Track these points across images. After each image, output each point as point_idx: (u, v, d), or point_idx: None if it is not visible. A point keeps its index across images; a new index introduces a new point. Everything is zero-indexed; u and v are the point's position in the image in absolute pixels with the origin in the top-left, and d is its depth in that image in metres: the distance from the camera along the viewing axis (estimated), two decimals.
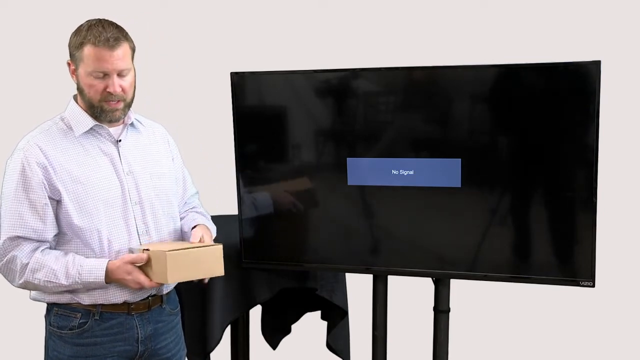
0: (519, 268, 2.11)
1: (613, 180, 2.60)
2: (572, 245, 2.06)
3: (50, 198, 1.76)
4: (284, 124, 2.24)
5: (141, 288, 1.80)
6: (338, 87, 2.19)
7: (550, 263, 2.07)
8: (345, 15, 3.36)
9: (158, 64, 3.30)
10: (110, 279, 1.77)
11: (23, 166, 1.75)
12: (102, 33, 1.73)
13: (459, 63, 2.07)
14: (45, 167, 1.75)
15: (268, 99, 2.29)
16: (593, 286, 2.03)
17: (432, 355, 2.28)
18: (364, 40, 3.28)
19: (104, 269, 1.76)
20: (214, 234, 2.05)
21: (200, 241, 1.87)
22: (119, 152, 1.85)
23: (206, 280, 1.90)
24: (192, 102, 3.34)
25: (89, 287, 1.78)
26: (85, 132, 1.81)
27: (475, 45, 3.16)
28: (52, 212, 1.77)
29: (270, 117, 2.28)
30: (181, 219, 2.03)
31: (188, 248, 1.79)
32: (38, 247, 1.77)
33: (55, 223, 1.78)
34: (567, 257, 2.07)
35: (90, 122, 1.81)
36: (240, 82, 2.24)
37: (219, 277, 2.30)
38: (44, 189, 1.75)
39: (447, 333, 2.25)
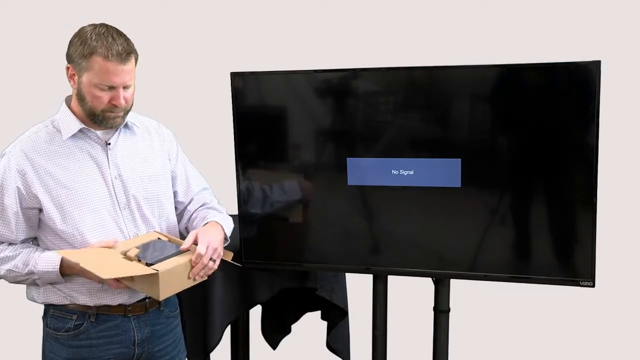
0: (519, 268, 2.11)
1: (613, 180, 2.60)
2: (572, 245, 2.06)
3: (28, 208, 1.76)
4: (284, 124, 2.24)
5: (101, 282, 1.76)
6: (338, 87, 2.19)
7: (550, 263, 2.07)
8: (345, 15, 3.36)
9: (158, 64, 3.29)
10: (65, 270, 1.74)
11: (4, 171, 1.75)
12: (113, 45, 1.69)
13: (459, 63, 2.07)
14: (26, 174, 1.74)
15: (268, 99, 2.29)
16: (593, 286, 2.03)
17: (432, 355, 2.28)
18: (364, 40, 3.28)
19: (59, 259, 1.74)
20: (230, 226, 1.99)
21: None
22: (107, 156, 1.82)
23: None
24: (192, 102, 3.34)
25: (46, 279, 1.77)
26: (73, 135, 1.79)
27: (475, 45, 3.16)
28: (24, 221, 1.77)
29: (270, 117, 2.28)
30: (192, 218, 2.00)
31: (177, 263, 1.74)
32: (3, 243, 1.79)
33: (26, 230, 1.78)
34: (567, 257, 2.07)
35: (77, 125, 1.79)
36: (240, 82, 2.24)
37: (219, 277, 2.31)
38: (17, 196, 1.74)
39: (447, 333, 2.25)
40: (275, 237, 2.32)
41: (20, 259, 1.76)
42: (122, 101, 1.74)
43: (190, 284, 1.79)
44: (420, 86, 2.13)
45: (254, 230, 2.31)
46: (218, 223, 1.93)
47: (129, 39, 1.76)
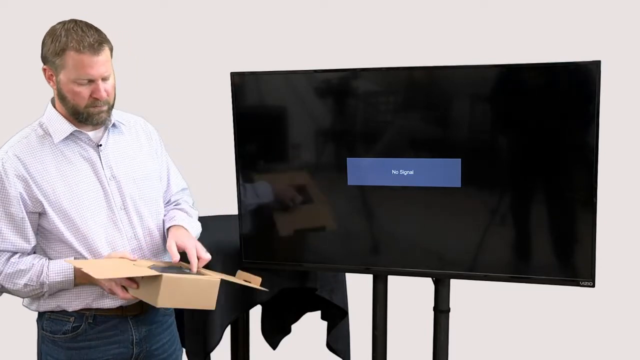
0: (519, 268, 2.11)
1: (613, 180, 2.60)
2: (572, 245, 2.06)
3: (30, 212, 1.73)
4: (284, 124, 2.24)
5: (111, 293, 1.74)
6: (338, 87, 2.19)
7: (550, 263, 2.07)
8: (345, 15, 3.36)
9: (158, 64, 3.30)
10: (77, 279, 1.72)
11: (1, 179, 1.71)
12: (85, 37, 1.67)
13: (459, 63, 2.07)
14: (25, 179, 1.71)
15: (268, 99, 2.29)
16: (593, 286, 2.03)
17: (432, 355, 2.28)
18: (364, 40, 3.28)
19: (72, 267, 1.72)
20: (196, 233, 1.96)
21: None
22: (100, 157, 1.80)
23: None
24: (192, 102, 3.34)
25: (56, 289, 1.74)
26: (64, 138, 1.76)
27: (475, 45, 3.16)
28: (30, 225, 1.74)
29: (270, 117, 2.28)
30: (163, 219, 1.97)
31: (185, 277, 1.70)
32: (15, 254, 1.75)
33: (33, 235, 1.76)
34: (567, 257, 2.07)
35: (69, 128, 1.76)
36: (240, 82, 2.24)
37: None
38: (20, 202, 1.72)
39: (447, 333, 2.25)
40: (275, 237, 2.32)
41: (33, 271, 1.73)
42: (104, 93, 1.71)
43: (191, 305, 1.75)
44: (420, 86, 2.13)
45: (253, 230, 2.31)
46: (182, 226, 1.91)
47: (100, 31, 1.73)
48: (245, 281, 1.92)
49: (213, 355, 2.40)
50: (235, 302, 2.40)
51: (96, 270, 1.63)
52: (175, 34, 3.36)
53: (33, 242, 1.77)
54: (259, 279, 1.92)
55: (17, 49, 3.12)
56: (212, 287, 1.74)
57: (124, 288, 1.71)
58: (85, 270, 1.63)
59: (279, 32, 3.35)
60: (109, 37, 1.75)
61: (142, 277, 1.68)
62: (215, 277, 1.76)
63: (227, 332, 2.46)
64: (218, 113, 2.57)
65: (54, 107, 1.79)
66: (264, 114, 2.29)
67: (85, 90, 1.71)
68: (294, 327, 2.74)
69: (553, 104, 1.99)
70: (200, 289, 1.73)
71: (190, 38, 3.36)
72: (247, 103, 2.26)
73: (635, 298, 3.17)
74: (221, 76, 2.29)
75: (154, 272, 1.66)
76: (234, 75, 2.23)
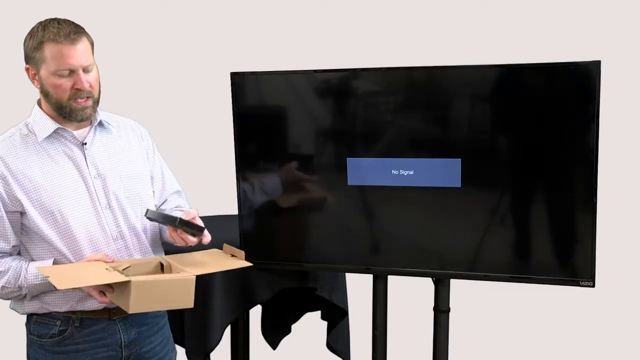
0: (519, 268, 2.11)
1: (613, 180, 2.60)
2: (572, 245, 2.06)
3: (11, 212, 1.73)
4: (284, 124, 2.24)
5: (89, 295, 1.71)
6: (338, 87, 2.19)
7: (550, 263, 2.07)
8: (345, 15, 3.36)
9: (159, 64, 3.30)
10: None
11: None
12: (61, 29, 1.68)
13: (459, 63, 2.07)
14: (5, 177, 1.71)
15: (268, 99, 2.29)
16: (593, 286, 2.03)
17: (432, 355, 2.28)
18: (364, 40, 3.28)
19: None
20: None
21: (192, 219, 1.78)
22: (84, 156, 1.79)
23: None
24: (192, 102, 3.34)
25: (36, 291, 1.73)
26: (48, 136, 1.76)
27: (475, 45, 3.17)
28: (10, 226, 1.74)
29: (270, 117, 2.28)
30: None
31: (155, 278, 1.65)
32: None
33: (14, 235, 1.75)
34: (567, 257, 2.07)
35: (52, 125, 1.76)
36: (240, 82, 2.24)
37: (219, 277, 2.30)
38: (0, 202, 1.72)
39: (447, 333, 2.25)
40: (275, 237, 2.32)
41: (11, 273, 1.72)
42: (85, 84, 1.71)
43: (168, 306, 1.71)
44: (420, 86, 2.13)
45: (253, 230, 2.31)
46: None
47: (78, 25, 1.74)
48: (232, 255, 1.91)
49: (213, 355, 2.39)
50: (235, 302, 2.40)
51: (61, 280, 1.59)
52: (175, 34, 3.36)
53: (13, 243, 1.76)
54: (242, 252, 1.90)
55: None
56: (187, 286, 1.68)
57: (102, 292, 1.69)
58: (51, 280, 1.60)
59: (279, 32, 3.35)
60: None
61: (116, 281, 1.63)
62: (190, 274, 1.70)
63: (227, 332, 2.46)
64: (218, 113, 2.57)
65: (40, 107, 1.80)
66: (264, 114, 2.29)
67: (66, 82, 1.71)
68: (294, 327, 2.74)
69: (553, 104, 1.99)
70: (175, 289, 1.67)
71: (190, 38, 3.37)
72: (247, 103, 2.26)
73: (635, 298, 3.17)
74: (221, 76, 2.29)
75: (122, 278, 1.60)
76: (234, 75, 2.23)
